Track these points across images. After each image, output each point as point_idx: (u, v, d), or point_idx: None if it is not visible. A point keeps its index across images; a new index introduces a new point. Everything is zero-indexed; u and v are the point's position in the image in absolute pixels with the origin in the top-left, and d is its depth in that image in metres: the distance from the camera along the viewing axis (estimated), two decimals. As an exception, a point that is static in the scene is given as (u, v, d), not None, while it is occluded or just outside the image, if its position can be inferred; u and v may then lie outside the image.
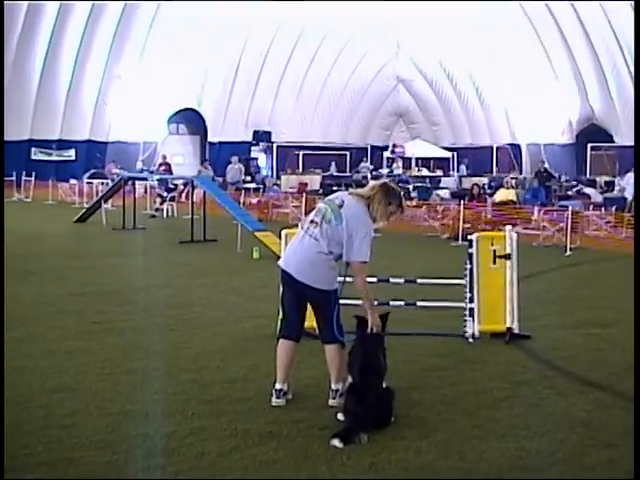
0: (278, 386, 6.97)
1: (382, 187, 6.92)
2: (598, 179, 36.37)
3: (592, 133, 40.73)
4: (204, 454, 5.77)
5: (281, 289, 7.13)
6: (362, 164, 42.56)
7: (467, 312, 9.61)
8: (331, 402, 6.94)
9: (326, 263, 6.76)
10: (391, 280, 10.17)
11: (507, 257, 9.57)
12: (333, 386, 6.98)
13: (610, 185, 34.14)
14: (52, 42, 38.52)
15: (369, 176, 38.38)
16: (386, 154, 43.15)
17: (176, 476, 5.39)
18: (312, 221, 6.84)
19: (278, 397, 6.94)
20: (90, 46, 39.38)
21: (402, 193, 7.17)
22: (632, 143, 34.53)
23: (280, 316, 7.32)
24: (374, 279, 10.30)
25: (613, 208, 24.32)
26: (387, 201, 6.82)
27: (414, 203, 27.26)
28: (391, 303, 9.68)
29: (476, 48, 41.15)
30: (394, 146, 43.25)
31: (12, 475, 5.31)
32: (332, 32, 43.33)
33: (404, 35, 43.81)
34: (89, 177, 36.76)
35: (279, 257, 7.73)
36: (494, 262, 9.61)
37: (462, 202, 22.28)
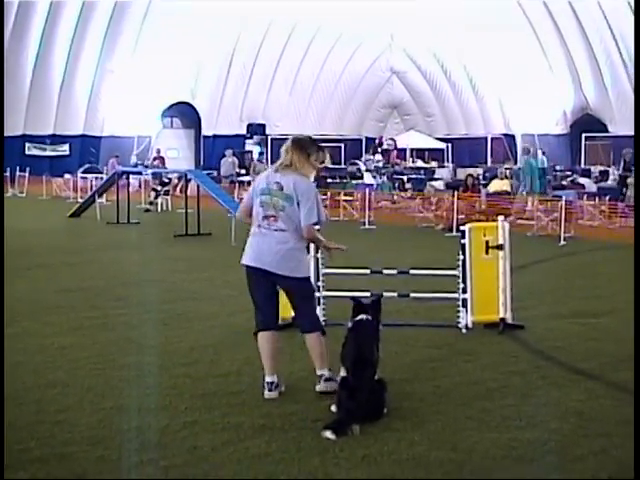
0: (269, 379, 6.97)
1: (294, 145, 7.01)
2: (593, 169, 36.36)
3: (586, 123, 40.73)
4: (197, 448, 5.77)
5: (250, 286, 7.18)
6: (368, 156, 41.99)
7: (460, 303, 9.62)
8: (318, 388, 6.98)
9: (299, 250, 6.99)
10: (384, 272, 10.19)
11: (500, 247, 9.58)
12: (318, 372, 7.02)
13: (604, 175, 34.13)
14: (44, 37, 38.43)
15: (363, 168, 38.27)
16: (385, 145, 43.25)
17: (169, 470, 5.39)
18: (266, 217, 6.93)
19: (270, 390, 6.94)
20: (83, 41, 39.29)
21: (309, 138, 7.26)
22: (626, 133, 34.50)
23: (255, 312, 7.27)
24: (367, 271, 10.36)
25: (607, 198, 24.33)
26: (306, 154, 6.95)
27: (408, 194, 27.29)
28: (385, 294, 9.67)
29: (470, 39, 41.08)
30: (392, 139, 43.33)
31: (5, 471, 5.30)
32: (325, 24, 43.24)
33: (397, 27, 43.71)
34: (83, 172, 36.69)
35: None
36: (487, 253, 9.62)
37: (456, 193, 22.27)
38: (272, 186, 6.96)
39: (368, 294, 9.05)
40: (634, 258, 13.06)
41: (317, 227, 7.13)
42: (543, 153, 38.54)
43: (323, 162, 7.19)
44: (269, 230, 6.93)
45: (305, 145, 7.01)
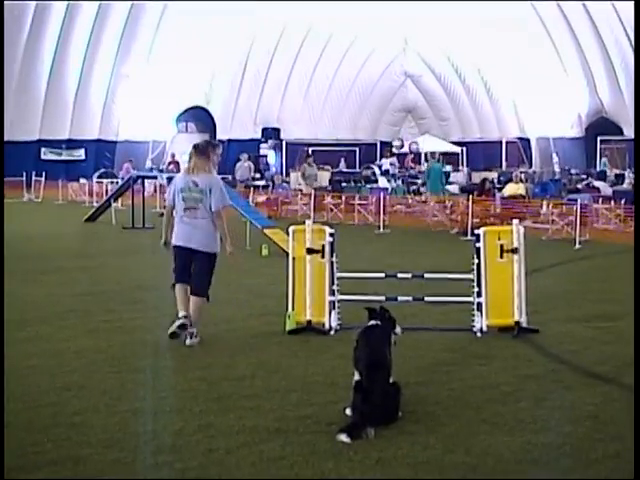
0: (183, 313, 8.81)
1: (197, 153, 9.02)
2: (608, 172, 36.25)
3: (601, 126, 40.63)
4: (212, 451, 5.78)
5: (176, 258, 9.10)
6: (384, 160, 41.62)
7: (475, 306, 9.60)
8: (188, 342, 8.74)
9: (213, 231, 8.96)
10: (399, 275, 10.20)
11: (514, 251, 9.56)
12: (190, 329, 8.78)
13: (620, 178, 34.03)
14: (60, 43, 38.68)
15: (377, 172, 38.18)
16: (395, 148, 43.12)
17: (184, 473, 5.41)
18: (187, 209, 8.91)
19: (184, 318, 8.79)
20: (98, 46, 39.53)
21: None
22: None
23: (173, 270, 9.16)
24: (382, 275, 10.38)
25: (622, 201, 24.21)
26: (206, 157, 9.00)
27: (423, 198, 27.24)
28: (399, 298, 9.71)
29: (484, 43, 41.06)
30: (400, 139, 43.29)
31: (21, 473, 5.34)
32: (339, 29, 43.30)
33: (411, 31, 43.75)
34: (99, 176, 36.85)
35: (288, 254, 9.85)
36: (501, 256, 9.61)
37: (471, 197, 22.23)
38: (189, 185, 8.91)
39: (383, 298, 9.06)
40: (634, 263, 13.00)
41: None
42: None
43: (221, 152, 9.58)
44: (191, 219, 8.90)
45: (203, 150, 9.06)
